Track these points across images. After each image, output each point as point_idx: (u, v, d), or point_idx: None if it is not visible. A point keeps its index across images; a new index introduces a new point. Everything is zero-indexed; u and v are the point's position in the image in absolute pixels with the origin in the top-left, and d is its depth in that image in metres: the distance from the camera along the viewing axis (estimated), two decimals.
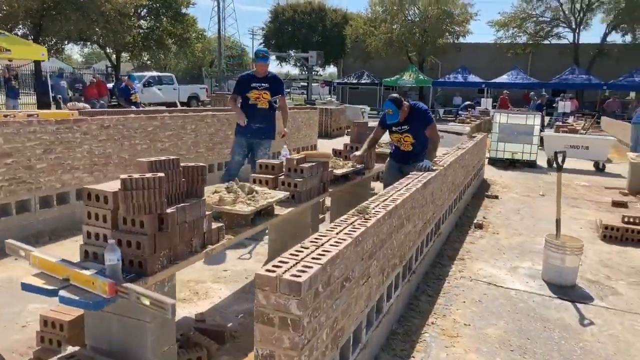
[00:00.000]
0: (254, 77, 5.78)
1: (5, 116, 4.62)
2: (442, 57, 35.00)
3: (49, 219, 5.15)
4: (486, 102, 24.92)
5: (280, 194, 3.77)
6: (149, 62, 35.28)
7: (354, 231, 2.55)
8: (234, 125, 8.22)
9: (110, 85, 21.46)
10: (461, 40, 35.53)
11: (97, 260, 2.55)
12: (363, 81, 33.77)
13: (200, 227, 2.86)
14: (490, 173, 9.96)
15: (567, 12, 33.15)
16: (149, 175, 2.49)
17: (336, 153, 5.67)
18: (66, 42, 22.97)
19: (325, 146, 11.06)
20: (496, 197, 7.76)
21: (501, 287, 4.19)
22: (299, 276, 1.93)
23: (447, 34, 34.35)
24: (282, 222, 4.08)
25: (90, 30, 18.53)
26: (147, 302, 2.11)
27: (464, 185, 6.56)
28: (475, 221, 6.19)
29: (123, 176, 2.44)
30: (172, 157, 2.73)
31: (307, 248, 2.27)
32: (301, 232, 4.51)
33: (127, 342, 2.52)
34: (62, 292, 2.26)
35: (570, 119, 18.22)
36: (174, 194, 2.69)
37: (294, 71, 63.61)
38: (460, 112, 23.35)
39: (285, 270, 1.98)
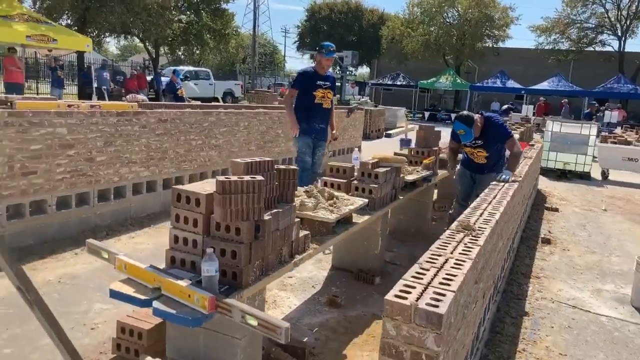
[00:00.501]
0: (317, 75, 5.45)
1: (69, 106, 4.50)
2: (480, 61, 34.26)
3: (105, 213, 5.03)
4: (527, 109, 24.25)
5: (360, 201, 3.54)
6: (182, 56, 35.54)
7: (469, 251, 2.29)
8: (285, 124, 8.06)
9: (148, 79, 21.61)
10: (500, 44, 34.76)
11: (185, 267, 2.36)
12: (398, 83, 33.30)
13: (290, 236, 2.64)
14: (543, 184, 9.53)
15: (612, 19, 32.05)
16: (247, 178, 2.28)
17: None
18: (107, 34, 23.24)
19: (369, 148, 10.79)
20: (556, 209, 7.37)
21: (589, 312, 3.87)
22: (437, 306, 1.68)
23: (486, 37, 33.62)
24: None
25: (133, 23, 18.62)
26: (254, 323, 1.89)
27: (527, 197, 6.22)
28: (541, 236, 5.84)
29: (221, 178, 2.24)
30: (266, 158, 2.51)
31: (427, 270, 2.02)
32: (370, 241, 4.27)
33: (215, 358, 2.32)
34: (156, 304, 2.07)
35: (618, 130, 17.51)
36: (267, 198, 2.48)
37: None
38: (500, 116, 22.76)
39: (418, 298, 1.74)
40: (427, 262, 2.12)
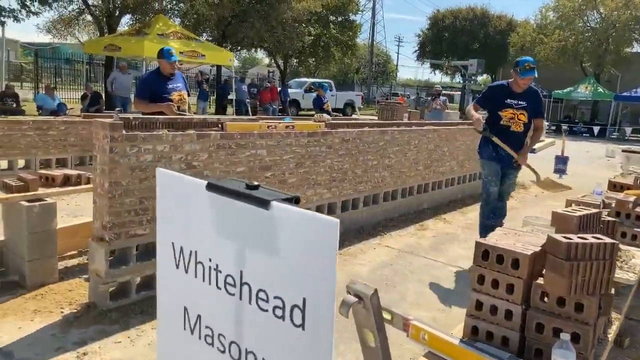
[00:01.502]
0: (511, 92, 4.84)
1: (268, 127, 4.35)
2: (624, 69, 30.84)
3: None
4: None
5: None
6: (300, 68, 36.37)
7: None
8: (452, 141, 7.50)
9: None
10: None
11: (492, 342, 1.92)
12: None
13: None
14: None
15: None
16: (594, 240, 1.78)
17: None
18: (239, 48, 24.34)
19: None
20: None
21: None
22: None
23: (635, 42, 30.21)
24: None
25: (271, 37, 19.24)
26: None
27: None
28: None
29: (562, 239, 1.76)
30: (597, 210, 1.99)
31: None
32: None
33: None
34: None
35: None
36: None
37: (443, 80, 61.66)
38: None
39: None
40: None
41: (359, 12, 24.78)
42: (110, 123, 3.24)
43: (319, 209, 5.16)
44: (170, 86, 5.28)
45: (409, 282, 4.37)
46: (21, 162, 6.54)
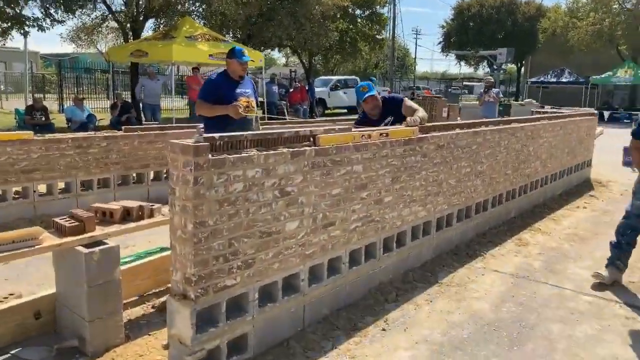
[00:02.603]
0: None
1: (362, 136, 3.55)
2: None
3: (388, 266, 4.04)
4: None
5: None
6: (318, 65, 35.46)
7: None
8: (536, 139, 6.61)
9: None
10: None
11: None
12: (564, 80, 29.75)
13: None
14: None
15: None
16: None
17: None
18: (262, 49, 23.62)
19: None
20: None
21: None
22: None
23: None
24: None
25: (299, 35, 18.45)
26: None
27: None
28: None
29: None
30: None
31: None
32: None
33: None
34: None
35: None
36: None
37: (465, 70, 60.21)
38: None
39: None
40: None
41: (386, 4, 23.91)
42: (195, 146, 2.47)
43: (414, 231, 4.35)
44: (238, 91, 4.61)
45: (548, 322, 3.52)
46: (61, 185, 5.86)
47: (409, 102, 4.58)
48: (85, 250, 2.91)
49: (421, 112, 4.38)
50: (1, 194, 5.35)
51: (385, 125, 4.46)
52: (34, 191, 5.47)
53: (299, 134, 3.17)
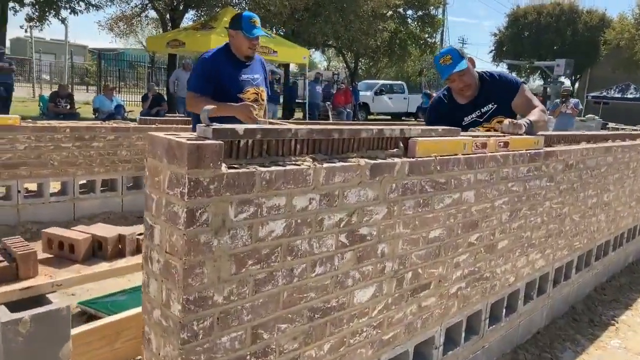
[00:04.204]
0: None
1: (477, 145, 2.20)
2: None
3: (492, 345, 2.65)
4: None
5: None
6: (360, 70, 33.96)
7: None
8: None
9: None
10: None
11: None
12: (629, 95, 27.40)
13: None
14: None
15: None
16: None
17: None
18: (306, 47, 22.47)
19: None
20: None
21: None
22: None
23: None
24: None
25: (346, 33, 17.16)
26: None
27: None
28: None
29: None
30: None
31: None
32: None
33: None
34: None
35: None
36: None
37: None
38: None
39: None
40: None
41: (441, 6, 22.34)
42: (193, 146, 1.19)
43: (528, 290, 2.96)
44: (244, 77, 3.15)
45: None
46: (55, 186, 4.72)
47: (528, 92, 2.98)
48: (6, 317, 1.67)
49: (537, 114, 2.76)
50: None
51: (483, 116, 2.88)
52: (19, 191, 4.34)
53: (383, 134, 1.84)
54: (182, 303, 1.25)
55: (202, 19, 14.94)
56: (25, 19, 14.21)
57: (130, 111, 12.70)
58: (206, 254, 1.27)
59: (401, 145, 1.93)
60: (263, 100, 3.29)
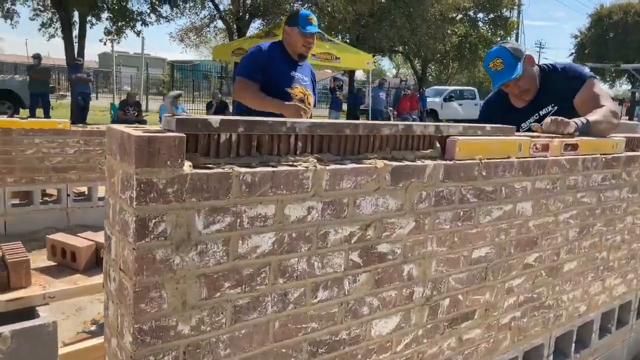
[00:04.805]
0: None
1: (536, 147, 1.81)
2: None
3: None
4: None
5: None
6: (430, 77, 32.93)
7: None
8: None
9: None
10: None
11: None
12: None
13: None
14: None
15: None
16: None
17: None
18: (372, 55, 22.16)
19: None
20: None
21: None
22: None
23: None
24: None
25: (413, 38, 16.68)
26: None
27: None
28: None
29: None
30: None
31: None
32: None
33: None
34: None
35: None
36: None
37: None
38: None
39: None
40: None
41: (514, 7, 21.18)
42: (144, 139, 0.95)
43: (604, 320, 2.48)
44: (295, 75, 2.96)
45: None
46: (103, 190, 4.74)
47: (597, 88, 2.44)
48: None
49: (601, 114, 2.24)
50: (26, 195, 4.32)
51: (542, 120, 2.27)
52: (68, 195, 4.38)
53: (411, 131, 1.52)
54: (133, 333, 1.01)
55: (267, 27, 15.10)
56: (104, 33, 15.05)
57: None
58: (164, 274, 1.02)
59: (437, 145, 1.61)
60: (310, 103, 3.09)
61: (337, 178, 1.26)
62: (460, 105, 24.05)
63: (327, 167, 1.24)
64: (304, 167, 1.20)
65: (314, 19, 3.03)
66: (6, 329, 1.54)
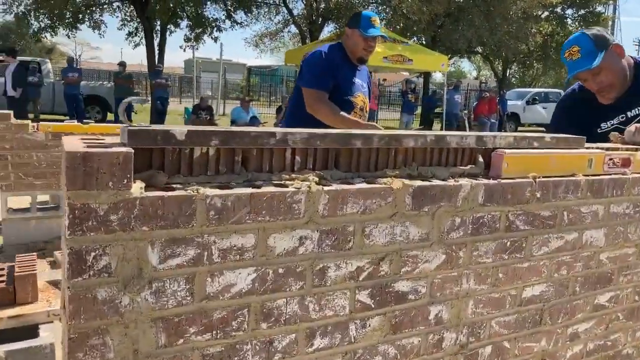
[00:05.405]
0: None
1: (613, 162, 1.47)
2: None
3: None
4: None
5: None
6: (513, 79, 31.14)
7: None
8: None
9: None
10: None
11: None
12: None
13: None
14: None
15: None
16: None
17: None
18: (449, 56, 21.35)
19: None
20: None
21: None
22: None
23: None
24: None
25: (492, 37, 15.84)
26: None
27: None
28: None
29: None
30: None
31: None
32: None
33: None
34: None
35: None
36: None
37: None
38: None
39: None
40: None
41: (609, 3, 19.51)
42: (74, 154, 0.79)
43: None
44: (356, 81, 2.79)
45: None
46: None
47: None
48: None
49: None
50: None
51: (629, 122, 1.98)
52: None
53: (445, 143, 1.25)
54: None
55: (339, 30, 15.00)
56: (184, 40, 15.70)
57: (264, 122, 13.15)
58: (109, 317, 0.85)
59: (480, 159, 1.32)
60: (367, 111, 2.93)
61: (340, 201, 1.03)
62: (544, 108, 22.56)
63: (326, 188, 1.02)
64: (295, 188, 0.99)
65: (377, 20, 2.84)
66: (1, 349, 1.46)
